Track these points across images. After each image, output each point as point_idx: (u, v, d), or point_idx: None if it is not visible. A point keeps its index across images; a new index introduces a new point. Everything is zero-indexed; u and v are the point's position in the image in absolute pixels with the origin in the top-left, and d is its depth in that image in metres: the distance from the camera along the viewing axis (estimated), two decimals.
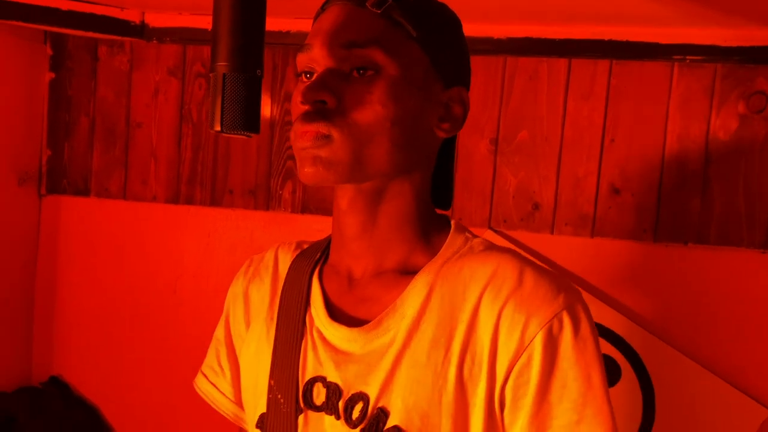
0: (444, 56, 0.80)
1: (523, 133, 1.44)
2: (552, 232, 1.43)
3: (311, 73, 0.77)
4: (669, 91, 1.38)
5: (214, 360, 0.97)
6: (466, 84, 0.85)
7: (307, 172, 0.75)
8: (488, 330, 0.73)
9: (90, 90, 1.64)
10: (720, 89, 1.35)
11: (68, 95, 1.65)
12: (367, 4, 0.76)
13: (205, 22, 1.55)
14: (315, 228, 1.54)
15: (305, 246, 0.92)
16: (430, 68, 0.79)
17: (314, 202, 1.55)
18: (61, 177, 1.67)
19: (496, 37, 1.42)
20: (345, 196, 0.79)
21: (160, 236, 1.63)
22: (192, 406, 1.61)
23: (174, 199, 1.61)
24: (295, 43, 1.51)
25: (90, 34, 1.55)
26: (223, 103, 0.63)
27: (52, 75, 1.65)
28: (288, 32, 1.51)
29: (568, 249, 1.43)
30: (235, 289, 0.96)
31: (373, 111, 0.74)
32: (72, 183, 1.66)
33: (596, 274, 1.41)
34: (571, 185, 1.43)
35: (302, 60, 0.78)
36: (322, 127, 0.73)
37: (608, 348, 1.40)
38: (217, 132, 0.65)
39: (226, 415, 0.97)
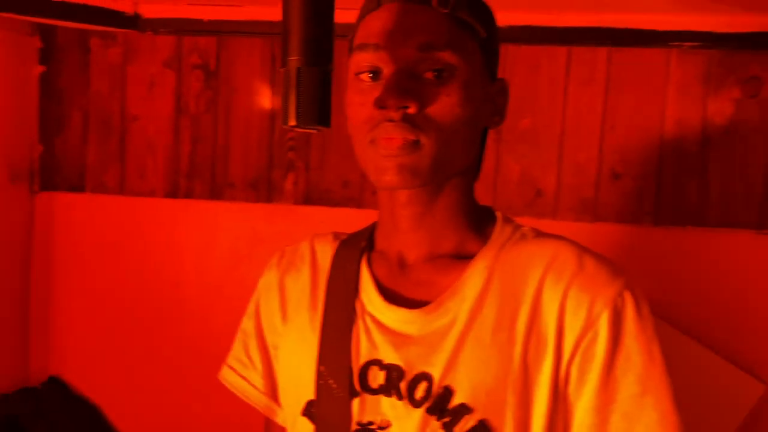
0: (494, 53, 0.84)
1: (525, 121, 1.46)
2: (555, 218, 1.46)
3: (375, 72, 0.77)
4: (666, 77, 1.41)
5: (242, 352, 0.98)
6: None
7: (390, 180, 0.76)
8: (553, 310, 0.77)
9: (83, 83, 1.61)
10: (716, 75, 1.39)
11: (60, 89, 1.61)
12: (432, 2, 0.76)
13: (201, 13, 1.53)
14: (317, 219, 1.55)
15: (343, 236, 0.93)
16: (484, 66, 0.81)
17: (317, 193, 1.54)
18: (54, 173, 1.63)
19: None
20: (405, 192, 0.80)
21: (159, 231, 1.61)
22: (197, 403, 1.61)
23: (173, 193, 1.59)
24: None
25: (82, 25, 1.52)
26: (298, 98, 0.63)
27: (42, 68, 1.61)
28: None
29: (570, 233, 1.43)
30: (268, 281, 0.96)
31: (453, 114, 0.76)
32: (66, 179, 1.63)
33: None
34: (573, 171, 1.45)
35: (365, 59, 0.77)
36: (410, 134, 0.75)
37: None
38: (292, 127, 0.64)
39: (256, 407, 0.97)
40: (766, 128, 1.37)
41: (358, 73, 0.79)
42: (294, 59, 0.63)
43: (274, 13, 1.47)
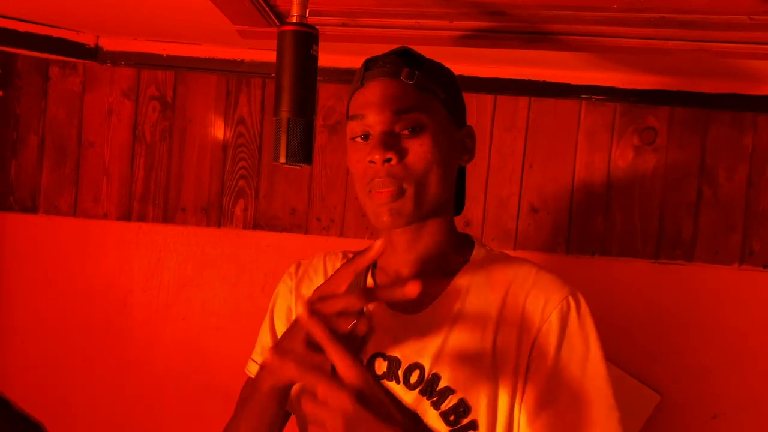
0: (456, 107, 1.04)
1: None
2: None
3: (365, 136, 0.98)
4: (578, 125, 1.60)
5: (260, 345, 1.14)
6: (466, 122, 1.09)
7: (385, 221, 0.97)
8: (517, 312, 0.98)
9: (40, 109, 1.66)
10: (619, 124, 1.58)
11: (17, 113, 1.65)
12: (401, 77, 0.97)
13: (160, 48, 1.62)
14: (264, 244, 1.65)
15: (350, 255, 1.11)
16: (449, 117, 1.02)
17: (265, 220, 1.65)
18: (7, 194, 1.66)
19: None
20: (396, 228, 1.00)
21: (111, 253, 1.67)
22: (142, 421, 1.66)
23: (126, 216, 1.66)
24: (249, 71, 1.63)
25: (43, 55, 1.58)
26: (288, 142, 0.76)
27: (0, 93, 1.66)
28: (242, 61, 1.62)
29: None
30: (285, 287, 1.13)
31: (426, 160, 0.97)
32: (19, 200, 1.66)
33: None
34: (497, 204, 1.62)
35: (356, 126, 0.98)
36: (395, 185, 0.96)
37: None
38: (282, 164, 0.78)
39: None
40: (661, 172, 1.57)
41: (353, 138, 1.00)
42: (285, 110, 0.77)
43: (230, 52, 1.62)
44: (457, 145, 1.04)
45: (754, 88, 1.53)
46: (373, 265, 1.09)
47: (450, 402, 0.95)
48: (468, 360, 0.96)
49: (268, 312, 1.15)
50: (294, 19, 0.76)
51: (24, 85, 1.65)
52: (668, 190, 1.58)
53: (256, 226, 1.65)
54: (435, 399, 0.96)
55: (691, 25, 0.94)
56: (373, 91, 0.98)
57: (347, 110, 1.04)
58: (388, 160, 0.95)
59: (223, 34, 1.47)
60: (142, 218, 1.66)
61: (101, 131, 1.66)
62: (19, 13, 1.48)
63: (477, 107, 1.61)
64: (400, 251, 1.04)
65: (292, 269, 1.15)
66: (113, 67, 1.64)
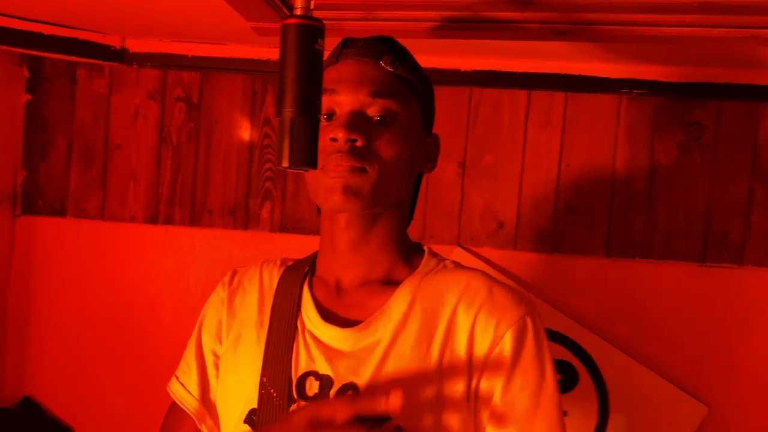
0: (430, 110, 0.98)
1: (489, 158, 1.56)
2: (515, 248, 1.55)
3: (329, 115, 0.90)
4: (617, 121, 1.52)
5: (185, 362, 1.06)
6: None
7: (336, 200, 0.87)
8: (465, 330, 0.88)
9: (68, 112, 1.66)
10: (662, 120, 1.50)
11: (45, 117, 1.66)
12: (381, 62, 0.90)
13: (185, 49, 1.60)
14: (292, 246, 1.62)
15: (290, 263, 1.04)
16: (421, 118, 0.95)
17: (291, 222, 1.62)
18: (36, 197, 1.67)
19: (463, 70, 1.53)
20: (345, 216, 0.92)
21: (137, 256, 1.66)
22: None
23: (153, 219, 1.65)
24: (274, 70, 1.59)
25: (70, 57, 1.58)
26: (291, 144, 0.71)
27: (29, 96, 1.66)
28: (267, 60, 1.59)
29: (529, 264, 1.56)
30: (217, 297, 1.05)
31: (393, 150, 0.89)
32: (48, 203, 1.67)
33: (555, 286, 1.54)
34: (532, 205, 1.55)
35: (324, 102, 0.88)
36: (356, 162, 0.86)
37: (567, 354, 1.51)
38: (285, 168, 0.73)
39: (189, 413, 1.03)
40: (707, 170, 1.49)
41: None
42: (288, 111, 0.72)
43: (256, 52, 1.58)
44: (422, 150, 0.97)
45: None
46: (312, 272, 1.00)
47: (386, 430, 0.83)
48: (409, 383, 0.86)
49: (197, 324, 1.07)
50: (298, 12, 0.71)
51: (52, 89, 1.66)
52: (716, 190, 1.49)
53: (283, 228, 1.62)
54: (368, 425, 0.83)
55: (740, 9, 0.86)
56: (350, 69, 0.91)
57: None
58: (353, 140, 0.87)
59: (247, 33, 1.44)
60: (168, 221, 1.65)
61: (128, 134, 1.65)
62: (44, 16, 1.47)
63: (509, 103, 1.55)
64: (342, 251, 0.94)
65: (226, 279, 1.06)
66: (139, 69, 1.63)
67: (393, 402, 0.73)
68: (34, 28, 1.50)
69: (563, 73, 1.51)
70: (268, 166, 1.62)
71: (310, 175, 0.92)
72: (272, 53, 1.59)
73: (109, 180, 1.66)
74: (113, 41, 1.60)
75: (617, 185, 1.52)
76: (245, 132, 1.62)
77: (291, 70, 0.71)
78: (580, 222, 1.53)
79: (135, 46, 1.62)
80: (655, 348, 1.50)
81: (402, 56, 0.93)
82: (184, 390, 1.04)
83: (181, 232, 1.65)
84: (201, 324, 1.06)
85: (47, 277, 1.68)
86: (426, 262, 0.96)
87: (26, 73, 1.66)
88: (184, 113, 1.63)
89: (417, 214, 1.12)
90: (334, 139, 0.87)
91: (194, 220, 1.64)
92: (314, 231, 1.61)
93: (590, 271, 1.53)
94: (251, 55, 1.59)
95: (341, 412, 0.75)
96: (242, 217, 1.63)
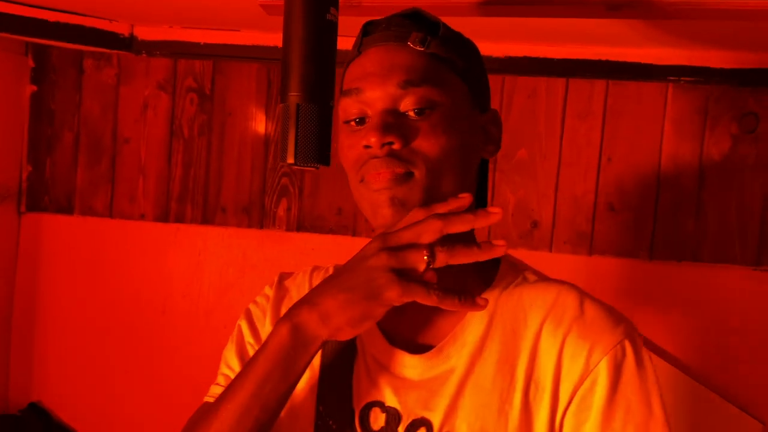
0: (479, 84, 0.84)
1: (522, 151, 1.45)
2: (551, 250, 1.44)
3: (361, 119, 0.78)
4: (664, 111, 1.41)
5: (226, 365, 0.92)
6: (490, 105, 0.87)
7: (384, 214, 0.76)
8: (552, 356, 0.75)
9: (74, 104, 1.58)
10: (713, 110, 1.39)
11: (51, 109, 1.59)
12: (409, 42, 0.77)
13: (197, 36, 1.52)
14: (309, 246, 1.53)
15: None
16: (469, 96, 0.81)
17: (309, 220, 1.52)
18: (42, 194, 1.60)
19: (495, 56, 1.43)
20: None
21: (148, 255, 1.58)
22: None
23: (163, 217, 1.57)
24: None
25: (76, 46, 1.50)
26: (297, 136, 0.60)
27: (34, 88, 1.59)
28: None
29: (566, 267, 1.44)
30: (264, 299, 0.92)
31: (439, 145, 0.76)
32: (54, 200, 1.60)
33: (594, 291, 1.40)
34: (569, 203, 1.44)
35: (350, 105, 0.78)
36: (398, 167, 0.75)
37: None
38: (290, 165, 0.62)
39: None
40: (763, 164, 1.37)
41: (346, 121, 0.79)
42: (293, 95, 0.61)
43: (272, 39, 1.48)
44: (478, 132, 0.82)
45: None
46: None
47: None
48: (490, 416, 0.75)
49: (236, 331, 0.93)
50: None
51: (59, 79, 1.59)
52: None
53: (300, 227, 1.52)
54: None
55: None
56: (373, 59, 0.77)
57: (341, 86, 0.83)
58: (389, 143, 0.75)
59: (261, 19, 1.35)
60: (180, 219, 1.57)
61: (137, 126, 1.57)
62: (49, 2, 1.40)
63: (547, 92, 1.44)
64: None
65: (270, 287, 0.93)
66: (149, 58, 1.55)
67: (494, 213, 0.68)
68: (39, 14, 1.43)
69: (604, 59, 1.41)
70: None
71: (352, 187, 0.81)
72: None
73: (118, 175, 1.58)
74: (121, 29, 1.52)
75: (663, 181, 1.41)
76: (260, 124, 1.53)
77: (297, 45, 0.59)
78: (623, 222, 1.42)
79: (144, 33, 1.54)
80: (704, 359, 1.39)
81: (433, 29, 0.79)
82: None
83: (192, 230, 1.56)
84: (241, 332, 0.93)
85: (53, 277, 1.62)
86: (503, 274, 0.83)
87: (31, 63, 1.59)
88: (195, 104, 1.55)
89: None
90: (367, 146, 0.75)
91: (207, 218, 1.56)
92: (335, 230, 1.51)
93: (633, 276, 1.43)
94: (266, 42, 1.50)
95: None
96: (257, 215, 1.54)
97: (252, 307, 0.93)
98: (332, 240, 1.51)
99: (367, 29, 0.81)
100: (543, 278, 0.84)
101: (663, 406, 0.74)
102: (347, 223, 1.51)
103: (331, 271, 0.91)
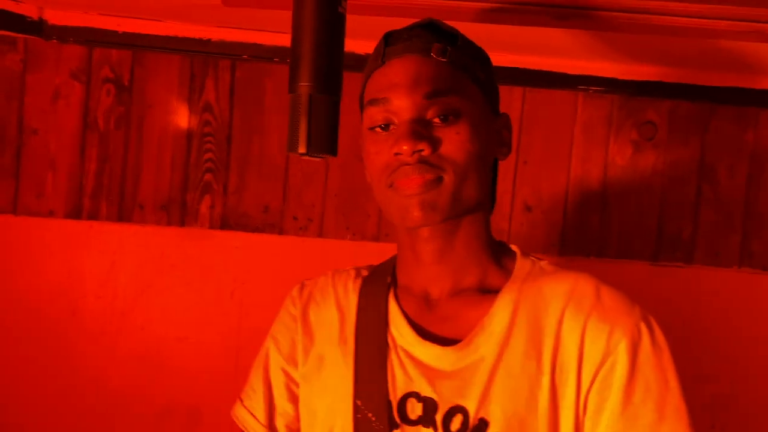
0: (492, 89, 0.90)
1: None
2: None
3: (386, 125, 0.82)
4: (574, 118, 1.51)
5: (250, 386, 0.97)
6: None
7: (416, 217, 0.81)
8: (575, 341, 0.81)
9: None
10: (617, 118, 1.50)
11: None
12: (432, 54, 0.81)
13: (115, 24, 1.44)
14: (233, 244, 1.50)
15: (364, 272, 0.96)
16: (487, 103, 0.87)
17: (234, 218, 1.49)
18: None
19: None
20: (427, 229, 0.84)
21: (58, 255, 1.47)
22: None
23: (75, 214, 1.47)
24: (217, 52, 1.46)
25: None
26: (309, 125, 0.60)
27: None
28: (209, 40, 1.45)
29: None
30: (288, 315, 0.97)
31: (465, 150, 0.81)
32: None
33: None
34: None
35: (377, 113, 0.82)
36: (429, 173, 0.80)
37: None
38: (301, 155, 0.62)
39: None
40: (660, 169, 1.49)
41: (372, 128, 0.83)
42: (305, 86, 0.61)
43: (197, 30, 1.44)
44: (494, 136, 0.89)
45: (758, 82, 1.46)
46: (394, 284, 0.93)
47: None
48: (521, 400, 0.80)
49: (264, 347, 0.97)
50: None
51: None
52: (668, 189, 1.50)
53: (225, 225, 1.49)
54: None
55: (747, 1, 0.84)
56: (399, 70, 0.82)
57: (362, 94, 0.88)
58: (420, 151, 0.80)
59: (188, 9, 1.31)
60: (93, 216, 1.48)
61: (46, 117, 1.47)
62: None
63: None
64: (427, 263, 0.88)
65: (295, 293, 0.98)
66: (60, 45, 1.45)
67: None
68: None
69: (522, 67, 1.47)
70: (208, 156, 1.48)
71: (378, 191, 0.86)
72: (215, 33, 1.45)
73: (23, 169, 1.47)
74: (29, 11, 1.42)
75: (573, 183, 1.50)
76: (182, 118, 1.48)
77: (309, 36, 0.60)
78: (537, 220, 1.51)
79: (55, 18, 1.43)
80: None
81: (452, 40, 0.85)
82: (249, 415, 0.96)
83: (107, 228, 1.48)
84: (270, 345, 0.97)
85: None
86: (521, 265, 0.89)
87: None
88: (112, 96, 1.47)
89: None
90: (398, 153, 0.80)
91: (123, 215, 1.48)
92: (261, 229, 1.49)
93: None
94: (191, 33, 1.45)
95: None
96: (177, 213, 1.49)
97: (278, 326, 0.97)
98: (258, 238, 1.49)
99: (389, 40, 0.85)
100: (559, 267, 0.90)
101: (678, 380, 0.81)
102: (274, 221, 1.49)
103: (352, 273, 0.96)
